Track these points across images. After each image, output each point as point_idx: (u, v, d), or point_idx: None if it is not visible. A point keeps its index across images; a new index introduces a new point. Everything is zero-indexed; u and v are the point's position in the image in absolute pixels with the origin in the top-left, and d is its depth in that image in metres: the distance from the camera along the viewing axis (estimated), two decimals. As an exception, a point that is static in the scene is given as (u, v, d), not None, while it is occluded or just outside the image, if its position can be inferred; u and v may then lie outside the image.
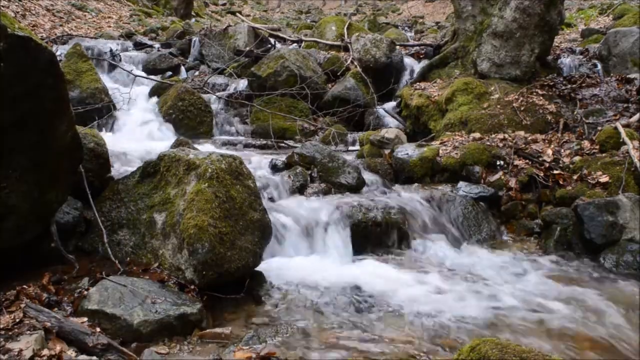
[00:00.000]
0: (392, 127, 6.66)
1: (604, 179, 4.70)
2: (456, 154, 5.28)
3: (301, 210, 4.38)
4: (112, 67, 7.94)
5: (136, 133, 6.41)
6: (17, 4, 11.19)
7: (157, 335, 2.77)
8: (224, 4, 23.14)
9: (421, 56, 8.70)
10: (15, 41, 2.61)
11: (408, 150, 5.40)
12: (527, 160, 5.15)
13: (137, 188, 3.66)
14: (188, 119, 6.70)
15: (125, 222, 3.57)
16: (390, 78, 7.83)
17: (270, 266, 3.70)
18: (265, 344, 2.74)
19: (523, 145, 5.37)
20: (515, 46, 6.53)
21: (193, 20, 15.45)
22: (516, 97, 6.14)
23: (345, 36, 9.44)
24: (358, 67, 8.02)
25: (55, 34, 10.23)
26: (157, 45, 9.92)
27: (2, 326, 2.47)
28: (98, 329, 2.65)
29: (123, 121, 6.57)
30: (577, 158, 5.09)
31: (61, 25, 11.47)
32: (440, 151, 5.37)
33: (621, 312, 3.30)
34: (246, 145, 6.42)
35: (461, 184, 5.02)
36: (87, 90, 6.35)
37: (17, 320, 2.53)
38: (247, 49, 8.53)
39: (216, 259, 3.13)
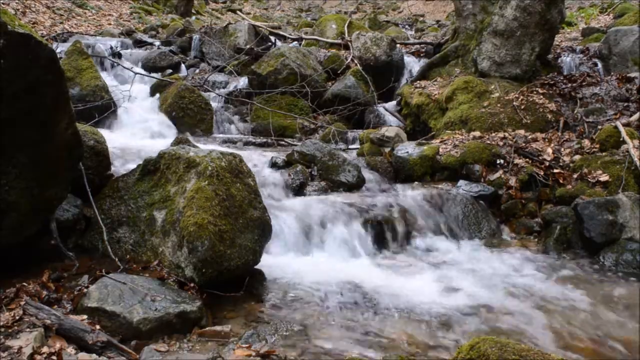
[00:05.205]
0: (392, 126, 6.66)
1: (604, 177, 4.70)
2: (456, 152, 5.28)
3: (301, 208, 4.38)
4: (112, 65, 7.93)
5: (136, 131, 6.41)
6: (17, 1, 11.18)
7: (157, 333, 2.77)
8: (225, 2, 23.11)
9: (421, 54, 8.70)
10: (16, 38, 2.61)
11: (408, 149, 5.40)
12: (527, 159, 5.15)
13: (137, 186, 3.65)
14: (188, 116, 6.70)
15: (125, 219, 3.57)
16: (391, 76, 7.82)
17: (270, 264, 3.70)
18: (265, 342, 2.74)
19: (523, 144, 5.37)
20: (515, 45, 6.52)
21: (193, 18, 15.43)
22: (516, 95, 6.13)
23: (346, 34, 9.43)
24: (358, 65, 8.02)
25: (56, 32, 10.22)
26: (157, 42, 9.91)
27: (2, 323, 2.48)
28: (98, 327, 2.65)
29: (123, 119, 6.56)
30: (577, 157, 5.09)
31: (61, 23, 11.47)
32: (440, 150, 5.37)
33: (621, 311, 3.30)
34: (246, 143, 6.42)
35: (461, 182, 5.02)
36: (87, 88, 6.33)
37: (17, 317, 2.53)
38: (248, 46, 8.53)
39: (216, 256, 3.13)
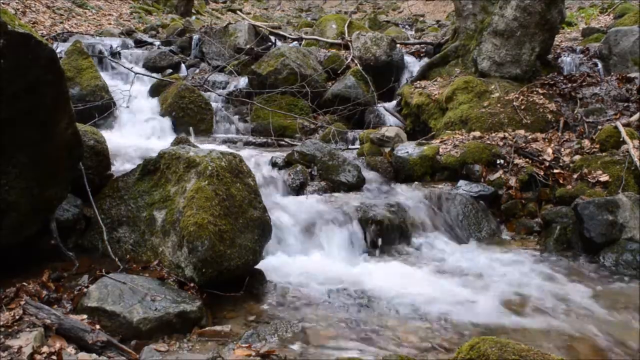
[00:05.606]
0: (392, 126, 6.65)
1: (604, 178, 4.70)
2: (456, 152, 5.28)
3: (301, 208, 4.38)
4: (112, 65, 7.93)
5: (136, 130, 6.41)
6: (17, 1, 11.18)
7: (157, 333, 2.77)
8: (225, 2, 23.11)
9: (422, 54, 8.69)
10: (16, 38, 2.61)
11: (408, 149, 5.40)
12: (527, 159, 5.15)
13: (137, 185, 3.66)
14: (188, 116, 6.70)
15: (125, 219, 3.57)
16: (391, 76, 7.82)
17: (270, 264, 3.70)
18: (265, 342, 2.75)
19: (523, 144, 5.37)
20: (515, 45, 6.52)
21: (193, 17, 15.42)
22: (516, 95, 6.13)
23: (346, 34, 9.43)
24: (358, 65, 8.01)
25: (56, 31, 10.21)
26: (157, 42, 9.90)
27: (2, 323, 2.48)
28: (98, 326, 2.65)
29: (123, 119, 6.56)
30: (577, 157, 5.09)
31: (61, 23, 11.46)
32: (440, 150, 5.37)
33: (620, 312, 3.30)
34: (246, 143, 6.42)
35: (461, 182, 5.02)
36: (88, 88, 6.33)
37: (17, 317, 2.53)
38: (248, 46, 8.52)
39: (216, 256, 3.13)
